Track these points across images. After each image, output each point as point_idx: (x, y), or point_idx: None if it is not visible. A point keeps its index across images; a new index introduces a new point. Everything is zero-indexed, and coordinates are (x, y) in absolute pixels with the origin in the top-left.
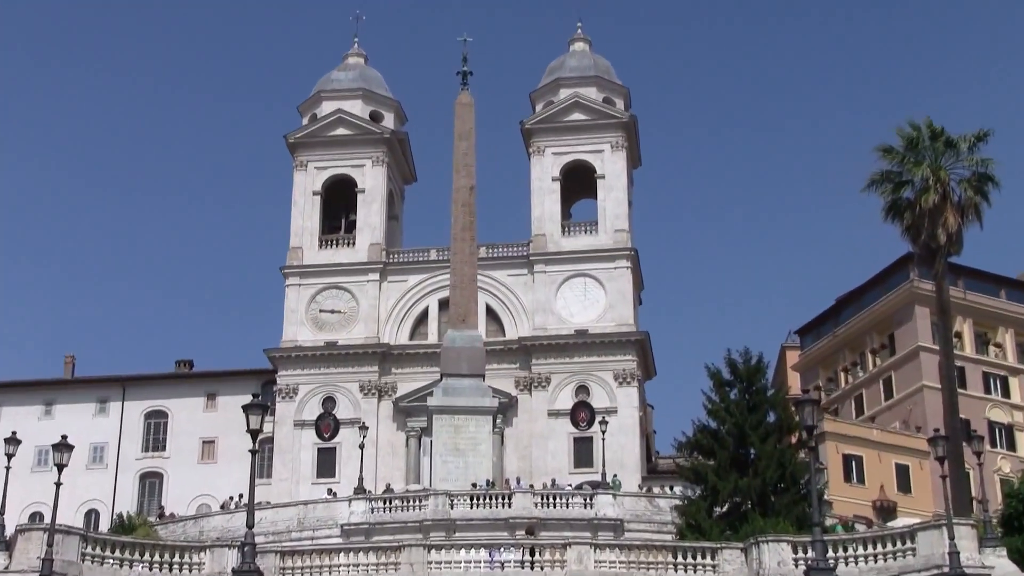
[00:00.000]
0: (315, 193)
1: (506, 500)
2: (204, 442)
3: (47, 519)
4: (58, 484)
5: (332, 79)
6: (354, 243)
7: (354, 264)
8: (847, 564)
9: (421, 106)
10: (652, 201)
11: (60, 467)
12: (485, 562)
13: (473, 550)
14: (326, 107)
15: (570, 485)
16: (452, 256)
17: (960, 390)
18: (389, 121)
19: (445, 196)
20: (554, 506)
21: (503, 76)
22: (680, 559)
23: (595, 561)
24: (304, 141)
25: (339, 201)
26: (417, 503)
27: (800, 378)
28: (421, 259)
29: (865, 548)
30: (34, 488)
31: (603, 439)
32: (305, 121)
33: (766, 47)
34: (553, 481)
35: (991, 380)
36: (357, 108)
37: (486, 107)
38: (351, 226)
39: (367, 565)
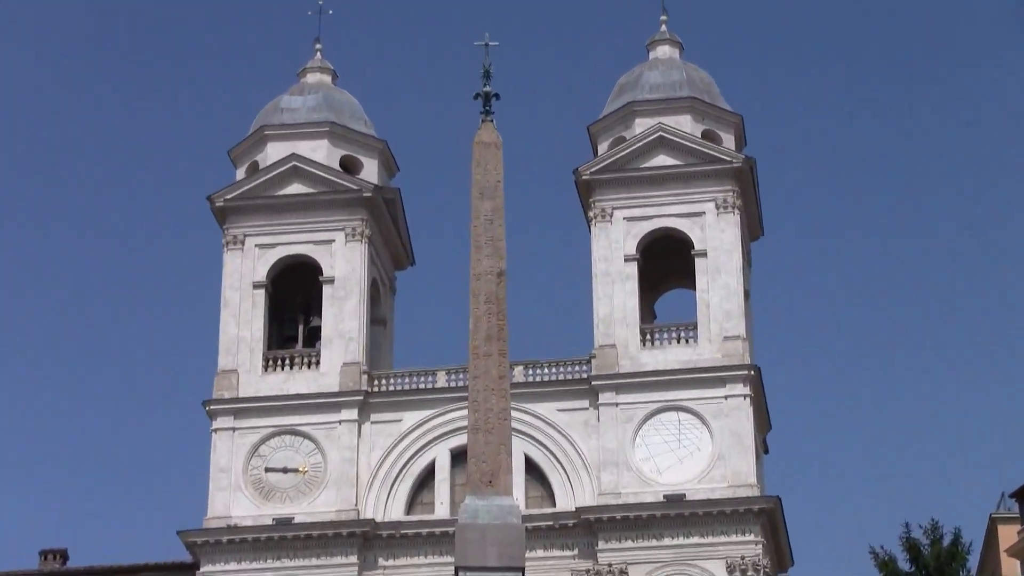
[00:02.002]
0: (257, 285)
1: None
2: None
3: None
4: None
5: (282, 108)
6: (318, 362)
7: (319, 395)
8: None
9: (420, 147)
10: (779, 292)
11: None
12: None
13: None
14: (273, 151)
15: None
16: (471, 381)
17: None
18: (371, 171)
19: (458, 287)
20: None
21: (544, 99)
22: None
23: None
24: (239, 204)
25: (294, 298)
26: None
27: (1021, 566)
28: (422, 386)
29: None
30: None
31: None
32: (240, 173)
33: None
34: None
35: None
36: (321, 152)
37: (519, 147)
38: (313, 336)
39: None
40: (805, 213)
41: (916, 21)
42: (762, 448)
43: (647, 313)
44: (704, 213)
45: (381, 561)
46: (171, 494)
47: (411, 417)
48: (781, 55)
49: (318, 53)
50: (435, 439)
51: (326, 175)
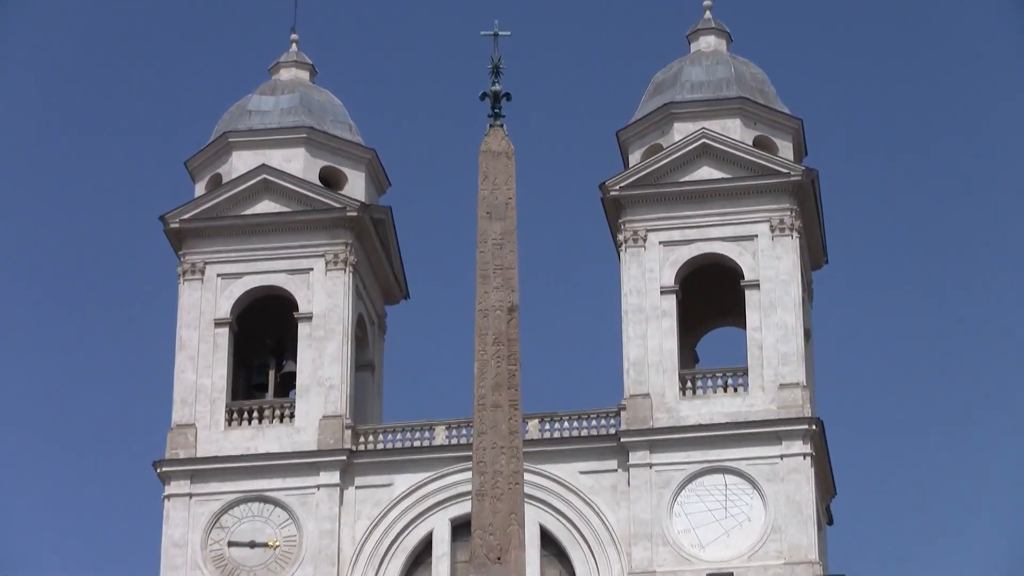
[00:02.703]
0: (219, 323)
1: None
2: None
3: None
4: None
5: (249, 110)
6: (292, 415)
7: (293, 455)
8: None
9: (416, 158)
10: (847, 330)
11: None
12: None
13: None
14: (239, 162)
15: None
16: (476, 438)
17: None
18: (356, 186)
19: (462, 325)
20: None
21: (565, 99)
22: None
23: None
24: (197, 226)
25: (264, 338)
26: None
27: None
28: (418, 443)
29: None
30: None
31: None
32: (200, 188)
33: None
34: None
35: None
36: (297, 163)
37: (534, 157)
38: (287, 384)
39: None
40: (878, 236)
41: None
42: (825, 518)
43: (688, 356)
44: (756, 236)
45: None
46: (115, 574)
47: (404, 480)
48: (849, 47)
49: (294, 45)
50: (433, 507)
51: (303, 190)
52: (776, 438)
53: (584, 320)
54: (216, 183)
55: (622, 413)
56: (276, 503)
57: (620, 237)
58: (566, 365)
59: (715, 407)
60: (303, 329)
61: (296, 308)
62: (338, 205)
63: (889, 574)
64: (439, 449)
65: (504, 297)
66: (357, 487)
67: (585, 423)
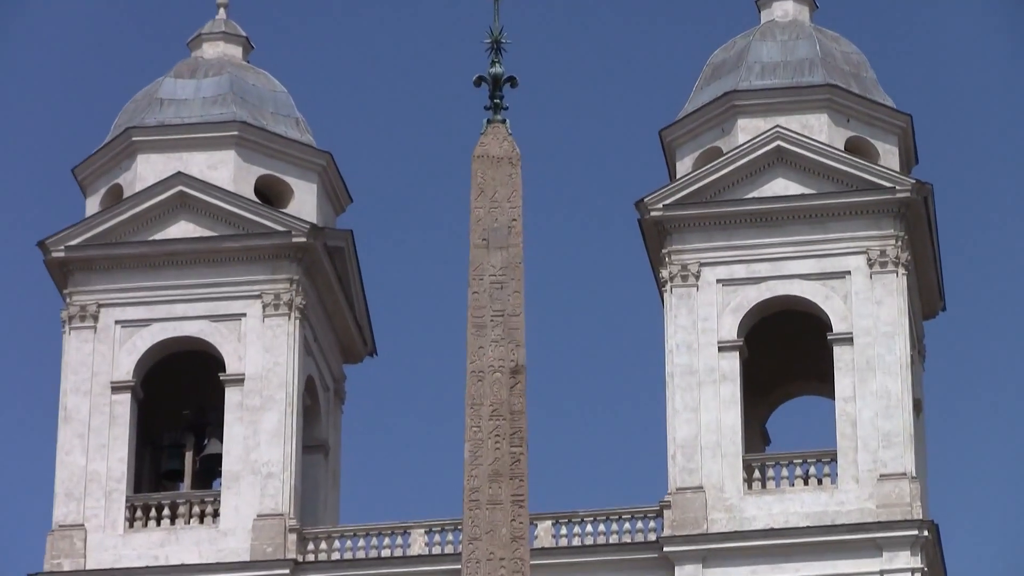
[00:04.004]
0: (119, 388)
1: None
2: None
3: None
4: None
5: (162, 98)
6: (217, 514)
7: (218, 568)
8: None
9: (385, 165)
10: (969, 401)
11: None
12: None
13: None
14: (146, 169)
15: None
16: (466, 546)
17: None
18: (305, 203)
19: (447, 391)
20: None
21: (590, 87)
22: None
23: None
24: (89, 256)
25: (178, 407)
26: None
27: None
28: (386, 552)
29: None
30: None
31: None
32: (93, 204)
33: None
34: None
35: None
36: (226, 172)
37: (546, 164)
38: (209, 471)
39: None
40: (1013, 274)
41: None
42: None
43: (755, 436)
44: (849, 274)
45: None
46: None
47: None
48: (976, 18)
49: (221, 10)
50: None
51: (233, 208)
52: (875, 547)
53: (616, 386)
54: (115, 197)
55: (665, 513)
56: None
57: (664, 273)
58: (591, 448)
59: (792, 506)
60: (232, 396)
61: (223, 368)
62: (281, 228)
63: None
64: (416, 561)
65: (506, 354)
66: None
67: (616, 526)
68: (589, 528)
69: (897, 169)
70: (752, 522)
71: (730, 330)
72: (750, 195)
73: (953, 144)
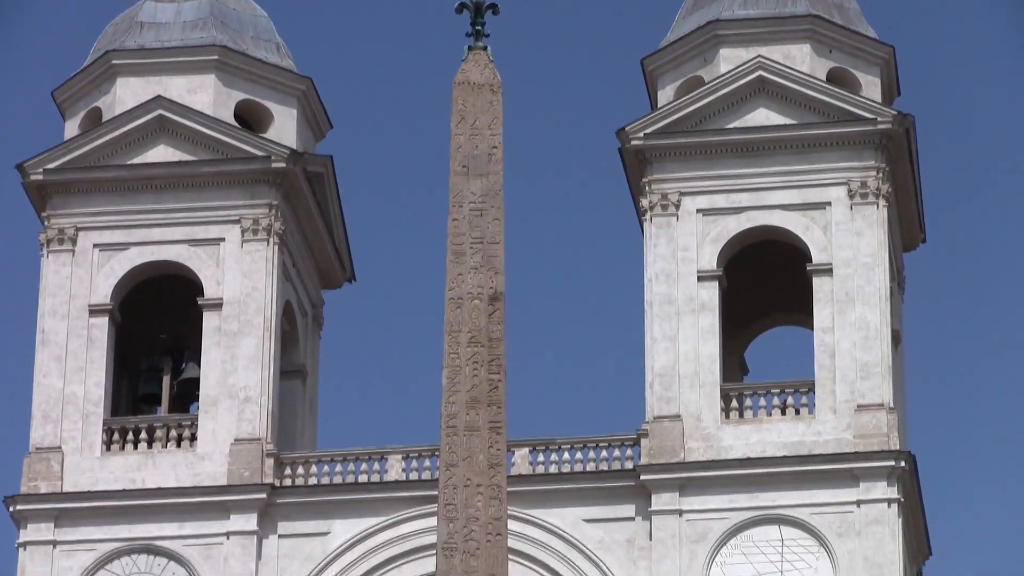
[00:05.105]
0: (96, 311)
1: None
2: None
3: None
4: None
5: (141, 21)
6: (194, 437)
7: (194, 491)
8: None
9: (365, 90)
10: (949, 332)
11: None
12: None
13: None
14: (126, 92)
15: None
16: (443, 472)
17: None
18: (285, 128)
19: (425, 318)
20: None
21: (572, 13)
22: None
23: None
24: (67, 179)
25: (155, 330)
26: None
27: None
28: (363, 478)
29: None
30: None
31: None
32: (72, 127)
33: None
34: None
35: None
36: (205, 96)
37: (529, 92)
38: (186, 395)
39: None
40: (993, 206)
41: None
42: None
43: (734, 366)
44: (829, 204)
45: None
46: None
47: (344, 528)
48: None
49: None
50: (383, 565)
51: (212, 133)
52: (852, 478)
53: (593, 314)
54: (94, 121)
55: (643, 442)
56: (170, 556)
57: (644, 202)
58: (568, 376)
59: (769, 435)
60: (210, 320)
61: (201, 292)
62: (260, 153)
63: None
64: (393, 486)
65: (485, 281)
66: (281, 536)
67: (593, 454)
68: (566, 456)
69: (879, 101)
70: (729, 451)
71: (710, 260)
72: (731, 125)
73: (935, 76)
